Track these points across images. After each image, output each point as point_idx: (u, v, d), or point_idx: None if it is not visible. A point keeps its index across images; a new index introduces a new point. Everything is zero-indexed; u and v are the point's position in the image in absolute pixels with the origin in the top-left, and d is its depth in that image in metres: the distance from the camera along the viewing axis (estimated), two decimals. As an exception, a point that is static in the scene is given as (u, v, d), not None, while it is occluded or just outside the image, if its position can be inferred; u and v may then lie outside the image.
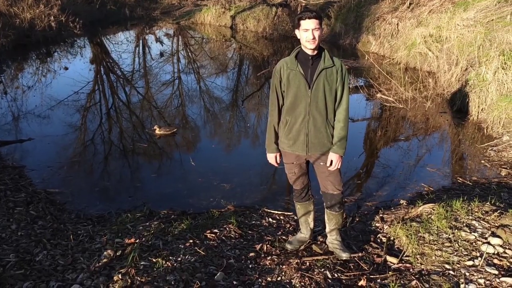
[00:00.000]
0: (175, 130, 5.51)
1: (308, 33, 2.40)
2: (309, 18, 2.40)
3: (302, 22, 2.43)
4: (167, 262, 2.71)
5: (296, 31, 2.50)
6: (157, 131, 5.49)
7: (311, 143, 2.60)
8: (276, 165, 2.81)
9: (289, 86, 2.56)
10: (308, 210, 2.93)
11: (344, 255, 2.82)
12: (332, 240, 2.92)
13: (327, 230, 2.94)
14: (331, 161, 2.62)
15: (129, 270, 2.61)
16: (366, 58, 9.72)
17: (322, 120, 2.57)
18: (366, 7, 12.13)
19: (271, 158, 2.77)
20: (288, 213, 3.67)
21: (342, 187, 2.77)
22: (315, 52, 2.50)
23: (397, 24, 10.39)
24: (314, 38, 2.40)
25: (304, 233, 3.03)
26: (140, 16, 18.81)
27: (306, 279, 2.60)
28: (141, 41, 14.31)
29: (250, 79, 9.65)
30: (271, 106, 2.68)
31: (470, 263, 2.61)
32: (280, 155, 2.77)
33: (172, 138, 5.64)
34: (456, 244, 2.81)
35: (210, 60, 11.49)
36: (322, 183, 2.77)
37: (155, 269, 2.64)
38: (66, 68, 9.49)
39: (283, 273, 2.67)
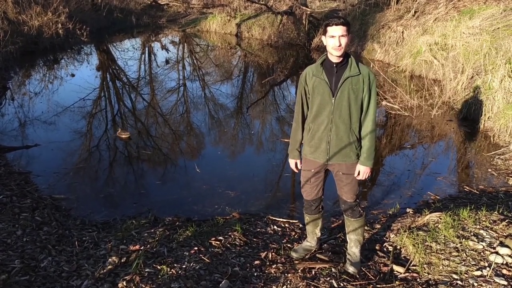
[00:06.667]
0: (128, 135, 5.71)
1: (334, 39, 2.34)
2: (336, 24, 2.34)
3: (329, 28, 2.37)
4: (172, 270, 2.70)
5: (323, 38, 2.45)
6: (118, 133, 5.76)
7: (332, 152, 2.55)
8: (296, 170, 2.80)
9: (314, 93, 2.51)
10: (316, 222, 2.90)
11: (351, 269, 2.76)
12: (349, 249, 2.87)
13: (347, 237, 2.89)
14: (359, 172, 2.58)
15: (134, 277, 2.60)
16: (371, 65, 9.71)
17: (345, 129, 2.50)
18: (371, 15, 12.19)
19: (292, 163, 2.77)
20: (293, 221, 3.65)
21: (357, 196, 2.72)
22: (340, 59, 2.43)
23: (402, 32, 10.41)
24: (340, 45, 2.34)
25: (310, 242, 3.01)
26: (146, 24, 18.96)
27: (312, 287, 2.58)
28: (147, 49, 14.42)
29: (255, 86, 9.68)
30: (296, 113, 2.67)
31: (478, 273, 2.58)
32: (301, 161, 2.75)
33: (177, 145, 5.68)
34: (464, 254, 2.78)
35: (215, 67, 11.55)
36: (339, 190, 2.73)
37: (159, 276, 2.63)
38: (73, 75, 9.57)
39: (288, 282, 2.65)
